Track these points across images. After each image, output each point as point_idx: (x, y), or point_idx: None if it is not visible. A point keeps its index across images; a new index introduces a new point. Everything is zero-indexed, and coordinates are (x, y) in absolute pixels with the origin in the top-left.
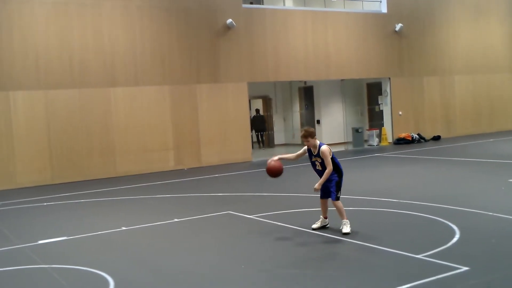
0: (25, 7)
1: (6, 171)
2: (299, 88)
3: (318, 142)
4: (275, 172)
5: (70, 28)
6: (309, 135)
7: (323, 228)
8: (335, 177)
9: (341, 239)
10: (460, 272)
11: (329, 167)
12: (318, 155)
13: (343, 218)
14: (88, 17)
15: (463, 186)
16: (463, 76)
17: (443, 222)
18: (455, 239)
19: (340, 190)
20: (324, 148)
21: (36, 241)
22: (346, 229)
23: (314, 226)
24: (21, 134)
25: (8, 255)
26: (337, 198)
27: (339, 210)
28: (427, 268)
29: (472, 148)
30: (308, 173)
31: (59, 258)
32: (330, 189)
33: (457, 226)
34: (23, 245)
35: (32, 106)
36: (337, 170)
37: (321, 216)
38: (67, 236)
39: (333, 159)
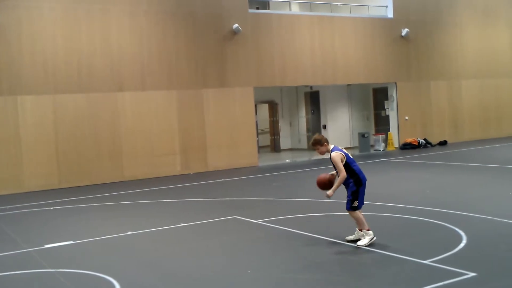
0: (34, 12)
1: (13, 175)
2: (305, 93)
3: (331, 147)
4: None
5: (78, 33)
6: (317, 142)
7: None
8: (352, 186)
9: (349, 245)
10: (467, 278)
11: (341, 174)
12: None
13: (361, 229)
14: (96, 22)
15: (470, 191)
16: (471, 80)
17: (450, 228)
18: (462, 245)
19: (357, 200)
20: (333, 154)
21: (43, 245)
22: (363, 241)
23: (349, 237)
24: (29, 138)
25: (15, 259)
26: (352, 208)
27: (356, 220)
28: (434, 274)
29: (479, 153)
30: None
31: (66, 262)
32: (346, 198)
33: (463, 231)
34: (30, 249)
35: (40, 110)
36: (354, 176)
37: (357, 229)
38: (74, 240)
39: (348, 164)
